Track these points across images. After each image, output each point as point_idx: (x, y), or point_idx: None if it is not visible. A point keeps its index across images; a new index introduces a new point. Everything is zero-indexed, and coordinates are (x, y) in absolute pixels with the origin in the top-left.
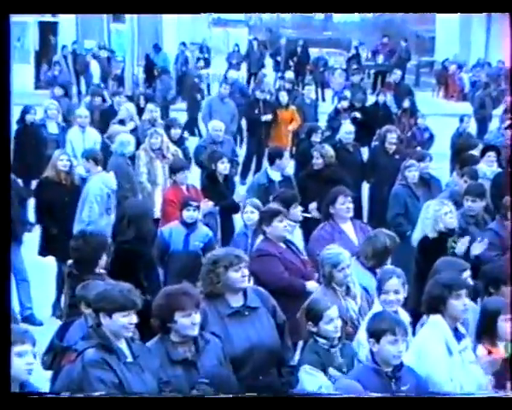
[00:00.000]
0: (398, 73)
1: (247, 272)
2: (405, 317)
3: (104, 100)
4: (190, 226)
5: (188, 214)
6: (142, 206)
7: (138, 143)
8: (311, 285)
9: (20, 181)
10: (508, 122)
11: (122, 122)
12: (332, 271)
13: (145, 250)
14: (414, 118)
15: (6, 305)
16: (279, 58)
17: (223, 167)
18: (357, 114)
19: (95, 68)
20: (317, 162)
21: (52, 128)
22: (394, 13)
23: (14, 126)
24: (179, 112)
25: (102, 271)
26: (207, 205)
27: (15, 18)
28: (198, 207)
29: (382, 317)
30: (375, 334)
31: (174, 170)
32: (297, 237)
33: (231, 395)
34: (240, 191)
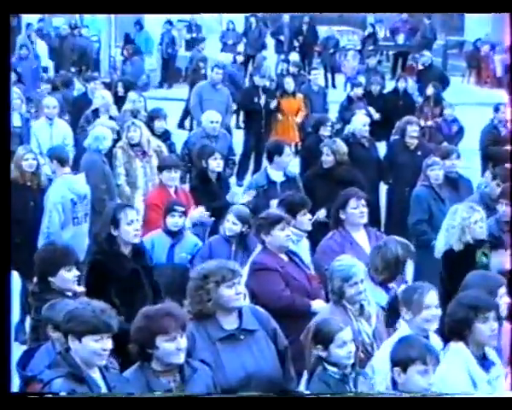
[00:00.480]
0: (427, 55)
1: (242, 288)
2: (437, 343)
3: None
4: (175, 235)
5: (172, 221)
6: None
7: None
8: (318, 305)
9: None
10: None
11: (96, 113)
12: (343, 286)
13: (124, 264)
14: (439, 107)
15: (6, 304)
16: (282, 38)
17: (215, 164)
18: (373, 112)
19: (65, 50)
20: (327, 160)
21: (15, 120)
22: (393, 13)
23: None
24: (161, 101)
25: (78, 288)
26: (198, 212)
27: None
28: (184, 213)
29: (411, 342)
30: (402, 362)
31: (161, 168)
32: (303, 248)
33: (233, 395)
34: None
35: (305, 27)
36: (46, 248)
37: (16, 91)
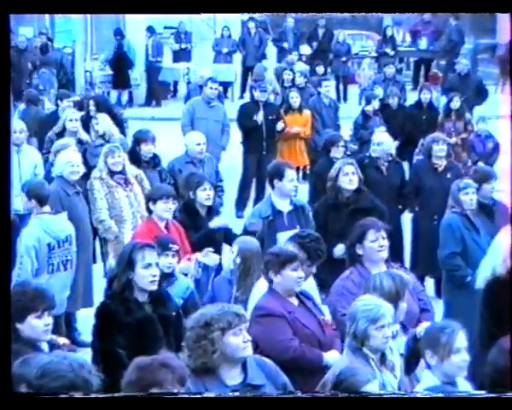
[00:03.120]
0: (463, 62)
1: (248, 335)
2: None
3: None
4: (167, 278)
5: (165, 262)
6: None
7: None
8: (331, 356)
9: None
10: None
11: (61, 135)
12: (368, 328)
13: (134, 310)
14: (462, 121)
15: (6, 304)
16: (285, 44)
17: (204, 196)
18: (383, 131)
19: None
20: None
21: None
22: (392, 13)
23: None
24: (149, 121)
25: (61, 340)
26: (188, 264)
27: None
28: (177, 252)
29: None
30: None
31: (155, 198)
32: (310, 288)
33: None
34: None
35: (321, 32)
36: (15, 289)
37: None
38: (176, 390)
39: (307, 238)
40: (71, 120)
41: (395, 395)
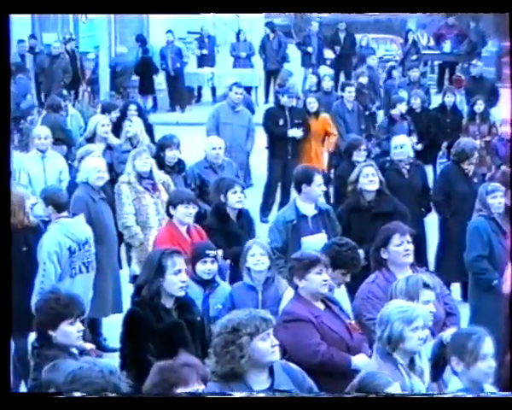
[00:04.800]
0: (478, 64)
1: (276, 340)
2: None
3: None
4: (208, 284)
5: (204, 268)
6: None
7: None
8: (360, 360)
9: None
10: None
11: (90, 141)
12: (404, 330)
13: (163, 317)
14: (487, 124)
15: (6, 304)
16: (310, 49)
17: (236, 199)
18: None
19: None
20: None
21: None
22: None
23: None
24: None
25: (87, 345)
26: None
27: None
28: (216, 258)
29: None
30: None
31: (175, 203)
32: (340, 294)
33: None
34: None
35: (342, 36)
36: (47, 296)
37: None
38: (199, 389)
39: (345, 247)
40: (103, 126)
41: (395, 396)
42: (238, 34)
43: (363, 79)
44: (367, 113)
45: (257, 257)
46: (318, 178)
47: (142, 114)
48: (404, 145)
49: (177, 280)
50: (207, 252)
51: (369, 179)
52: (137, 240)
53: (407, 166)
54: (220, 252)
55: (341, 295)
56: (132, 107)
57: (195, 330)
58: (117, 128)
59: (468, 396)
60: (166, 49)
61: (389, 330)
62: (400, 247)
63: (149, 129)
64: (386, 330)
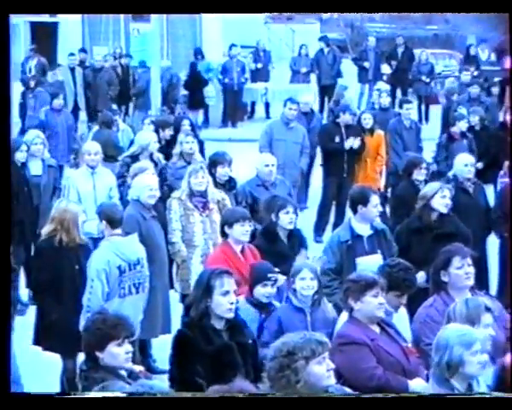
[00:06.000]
0: None
1: (332, 364)
2: None
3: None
4: (265, 308)
5: (263, 292)
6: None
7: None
8: (416, 384)
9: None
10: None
11: (136, 158)
12: (464, 354)
13: (213, 339)
14: None
15: (6, 304)
16: (366, 64)
17: (287, 219)
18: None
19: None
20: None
21: (34, 168)
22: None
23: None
24: (225, 142)
25: (136, 367)
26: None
27: None
28: (276, 281)
29: None
30: None
31: (230, 222)
32: (401, 318)
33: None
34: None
35: (400, 51)
36: (94, 317)
37: (39, 136)
38: None
39: (396, 267)
40: (155, 142)
41: (396, 396)
42: (300, 49)
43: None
44: None
45: (307, 282)
46: (375, 199)
47: (194, 129)
48: (471, 163)
49: (224, 301)
50: (269, 275)
51: (445, 202)
52: (180, 257)
53: (472, 186)
54: (281, 277)
55: (402, 318)
56: (186, 122)
57: (247, 353)
58: (168, 144)
59: (469, 396)
60: (230, 63)
61: (448, 354)
62: (461, 270)
63: (200, 145)
64: (446, 354)
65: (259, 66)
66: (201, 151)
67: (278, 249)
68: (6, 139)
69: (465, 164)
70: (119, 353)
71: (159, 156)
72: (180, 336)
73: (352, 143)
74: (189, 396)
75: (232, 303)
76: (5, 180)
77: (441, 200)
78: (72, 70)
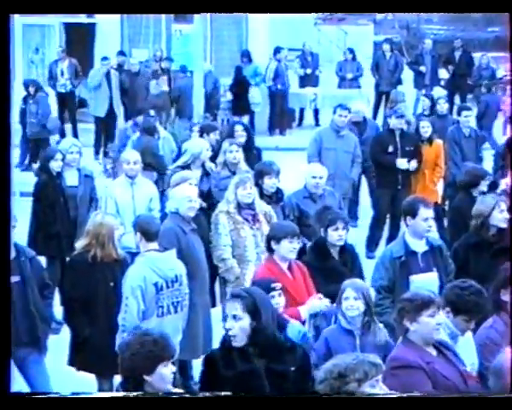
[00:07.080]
0: None
1: (385, 387)
2: None
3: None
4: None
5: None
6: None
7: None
8: None
9: (41, 260)
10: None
11: (187, 168)
12: None
13: (237, 360)
14: None
15: (6, 304)
16: (423, 68)
17: (336, 236)
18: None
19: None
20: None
21: (71, 179)
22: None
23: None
24: (272, 151)
25: (172, 389)
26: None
27: (29, 19)
28: (282, 290)
29: None
30: None
31: (278, 237)
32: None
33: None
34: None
35: (457, 54)
36: (143, 339)
37: (76, 144)
38: None
39: (467, 290)
40: (207, 150)
41: (396, 395)
42: (345, 53)
43: None
44: None
45: (350, 302)
46: (424, 212)
47: (250, 135)
48: None
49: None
50: (272, 286)
51: (503, 216)
52: (233, 274)
53: None
54: (327, 301)
55: (467, 342)
56: (239, 127)
57: (286, 381)
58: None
59: (469, 396)
60: (281, 67)
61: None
62: None
63: (258, 153)
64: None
65: (308, 71)
66: (259, 160)
67: (330, 266)
68: (6, 140)
69: None
70: (166, 374)
71: (211, 166)
72: (207, 357)
73: (408, 165)
74: (189, 396)
75: None
76: (5, 180)
77: (500, 215)
78: (107, 74)
